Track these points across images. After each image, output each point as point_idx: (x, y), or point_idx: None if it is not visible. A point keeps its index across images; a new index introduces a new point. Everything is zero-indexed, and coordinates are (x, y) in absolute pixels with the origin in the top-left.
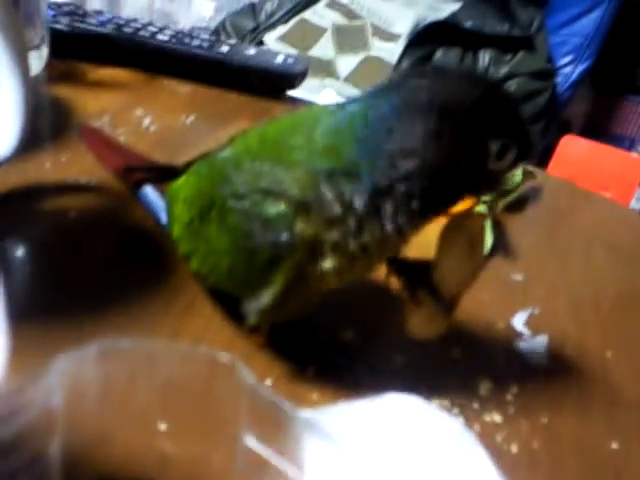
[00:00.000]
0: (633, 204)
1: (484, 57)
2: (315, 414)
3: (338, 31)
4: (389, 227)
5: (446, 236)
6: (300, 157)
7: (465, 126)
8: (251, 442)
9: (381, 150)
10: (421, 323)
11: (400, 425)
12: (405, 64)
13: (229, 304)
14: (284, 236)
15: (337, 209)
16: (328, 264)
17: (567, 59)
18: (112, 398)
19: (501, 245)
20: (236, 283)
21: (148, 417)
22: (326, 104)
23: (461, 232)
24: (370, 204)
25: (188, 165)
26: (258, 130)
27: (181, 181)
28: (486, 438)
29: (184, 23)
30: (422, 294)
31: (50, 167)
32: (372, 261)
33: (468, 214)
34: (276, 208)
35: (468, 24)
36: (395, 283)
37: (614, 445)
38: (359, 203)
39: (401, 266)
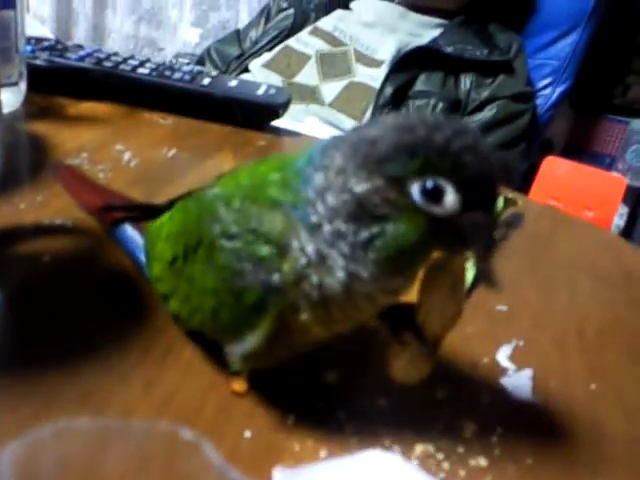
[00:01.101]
0: (616, 221)
1: (465, 81)
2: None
3: (322, 58)
4: (340, 275)
5: (429, 277)
6: (275, 197)
7: (374, 163)
8: None
9: (312, 186)
10: (405, 366)
11: None
12: (388, 89)
13: (209, 348)
14: (276, 277)
15: (303, 260)
16: (305, 316)
17: (546, 81)
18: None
19: (485, 275)
20: (219, 326)
21: None
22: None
23: (444, 272)
24: (316, 250)
25: (170, 203)
26: (249, 167)
27: (164, 219)
28: None
29: (169, 50)
30: (406, 337)
31: (25, 208)
32: (355, 312)
33: (450, 254)
34: (268, 248)
35: (449, 49)
36: (379, 325)
37: None
38: (310, 249)
39: (385, 309)
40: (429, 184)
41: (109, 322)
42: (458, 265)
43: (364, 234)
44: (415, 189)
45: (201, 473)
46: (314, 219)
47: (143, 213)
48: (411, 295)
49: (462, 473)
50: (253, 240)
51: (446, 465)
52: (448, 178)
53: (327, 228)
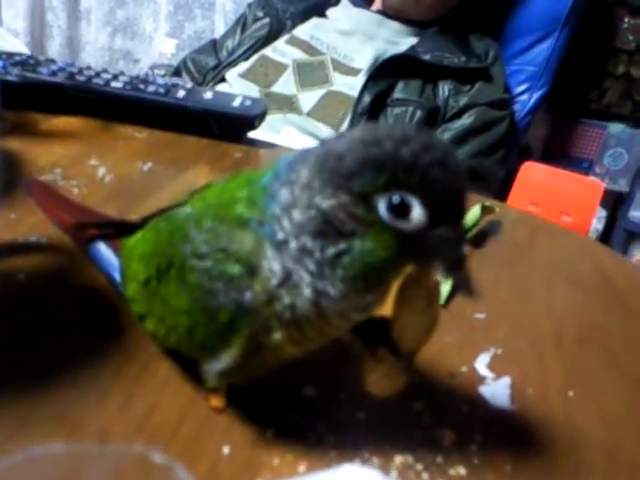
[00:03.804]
0: (594, 225)
1: (443, 88)
2: None
3: (299, 67)
4: (307, 292)
5: (403, 291)
6: (242, 214)
7: (341, 178)
8: None
9: (278, 202)
10: (380, 380)
11: None
12: (366, 97)
13: (186, 365)
14: (247, 295)
15: (274, 280)
16: (278, 335)
17: (523, 87)
18: None
19: (463, 283)
20: (195, 345)
21: None
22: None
23: (418, 286)
24: (283, 267)
25: (144, 221)
26: (219, 185)
27: (137, 238)
28: None
29: (145, 61)
30: (381, 351)
31: None
32: (328, 329)
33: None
34: (239, 267)
35: (427, 57)
36: (353, 340)
37: None
38: (277, 266)
39: (359, 323)
40: (395, 199)
41: (85, 341)
42: (432, 279)
43: (331, 251)
44: (382, 205)
45: None
46: (280, 236)
47: (117, 230)
48: (385, 309)
49: None
50: (223, 259)
51: (425, 476)
52: (415, 193)
53: (293, 245)
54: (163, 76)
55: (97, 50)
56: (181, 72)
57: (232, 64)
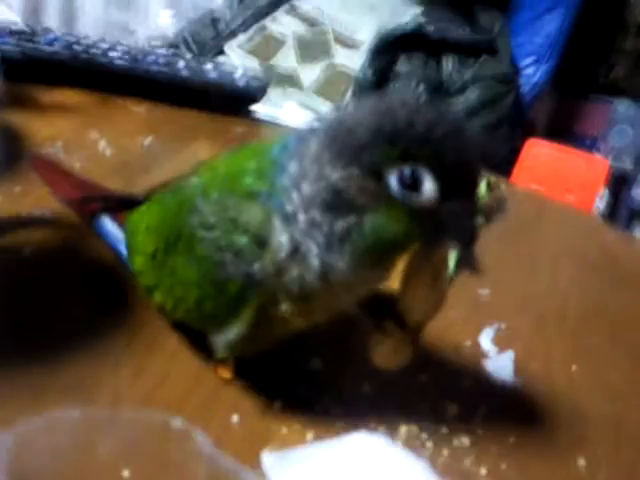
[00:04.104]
0: (597, 204)
1: (447, 62)
2: (279, 461)
3: (300, 40)
4: (315, 265)
5: (410, 267)
6: (251, 186)
7: (352, 150)
8: None
9: (287, 175)
10: (386, 354)
11: (363, 469)
12: (369, 71)
13: (194, 337)
14: (256, 266)
15: (282, 252)
16: (285, 307)
17: (529, 60)
18: (60, 471)
19: (467, 260)
20: (203, 316)
21: None
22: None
23: (425, 262)
24: (291, 239)
25: (147, 195)
26: (227, 157)
27: (142, 211)
28: (455, 463)
29: (142, 33)
30: (387, 325)
31: (3, 200)
32: (335, 302)
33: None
34: (247, 239)
35: (430, 29)
36: (360, 313)
37: (581, 462)
38: (285, 239)
39: (366, 297)
40: (407, 172)
41: (94, 313)
42: (439, 255)
43: (340, 225)
44: (393, 178)
45: (192, 461)
46: (289, 208)
47: (121, 204)
48: (392, 283)
49: (445, 452)
50: (232, 229)
51: (430, 445)
52: (427, 166)
53: (302, 217)
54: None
55: (92, 22)
56: (179, 45)
57: (231, 36)
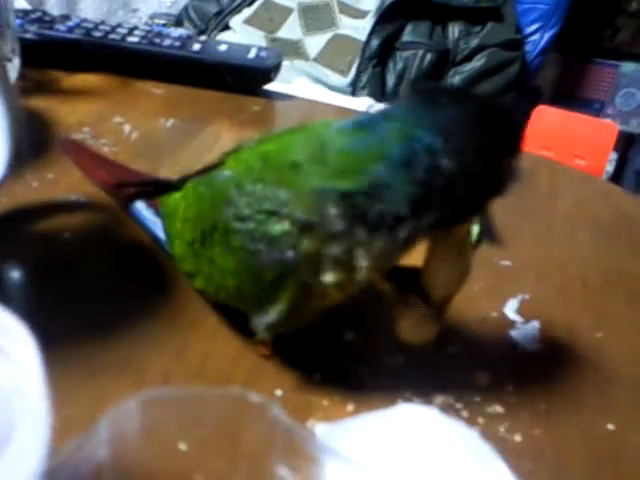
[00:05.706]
0: (607, 168)
1: (453, 30)
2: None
3: (304, 11)
4: (400, 240)
5: (435, 241)
6: (309, 180)
7: (497, 143)
8: (283, 472)
9: (422, 172)
10: (411, 328)
11: (417, 439)
12: (375, 41)
13: (235, 316)
14: (289, 254)
15: (341, 225)
16: (329, 278)
17: (535, 26)
18: (153, 448)
19: (488, 231)
20: (243, 301)
21: (188, 465)
22: (328, 121)
23: (449, 237)
24: (386, 223)
25: (182, 181)
26: (258, 148)
27: (177, 197)
28: (490, 430)
29: (144, 11)
30: (412, 299)
31: (38, 186)
32: (371, 274)
33: None
34: (280, 227)
35: None
36: (386, 287)
37: (610, 426)
38: (372, 220)
39: (391, 272)
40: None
41: (134, 295)
42: (464, 230)
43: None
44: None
45: (270, 432)
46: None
47: (155, 189)
48: (416, 258)
49: (481, 420)
50: (265, 220)
51: (465, 413)
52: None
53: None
54: (164, 26)
55: (95, 0)
56: (183, 21)
57: (235, 10)
